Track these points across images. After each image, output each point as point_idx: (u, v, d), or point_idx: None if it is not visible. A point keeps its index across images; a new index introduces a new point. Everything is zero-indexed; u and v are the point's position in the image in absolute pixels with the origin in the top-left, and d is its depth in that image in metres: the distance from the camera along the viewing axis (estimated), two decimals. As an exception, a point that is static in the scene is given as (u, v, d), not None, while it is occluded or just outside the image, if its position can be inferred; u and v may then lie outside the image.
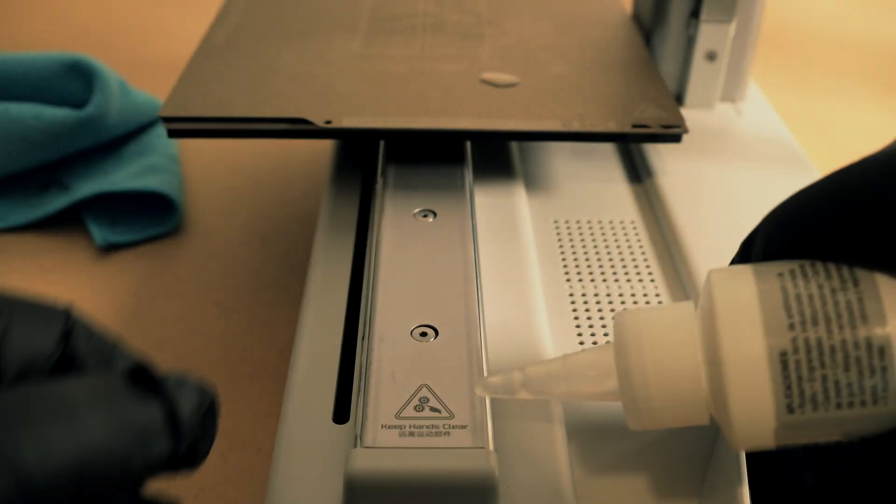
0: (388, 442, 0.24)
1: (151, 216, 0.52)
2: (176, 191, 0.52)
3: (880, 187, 0.20)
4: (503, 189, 0.40)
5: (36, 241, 0.51)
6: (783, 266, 0.22)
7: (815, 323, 0.21)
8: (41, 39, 0.76)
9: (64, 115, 0.52)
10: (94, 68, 0.54)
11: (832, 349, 0.20)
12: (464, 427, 0.24)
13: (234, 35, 0.45)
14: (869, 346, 0.20)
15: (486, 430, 0.24)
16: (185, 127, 0.37)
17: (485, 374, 0.26)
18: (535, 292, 0.33)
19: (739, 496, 0.26)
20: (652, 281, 0.35)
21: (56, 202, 0.52)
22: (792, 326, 0.21)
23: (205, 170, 0.58)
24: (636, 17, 0.51)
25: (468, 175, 0.37)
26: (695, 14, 0.45)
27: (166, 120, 0.37)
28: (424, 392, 0.26)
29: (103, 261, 0.49)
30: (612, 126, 0.37)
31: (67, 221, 0.52)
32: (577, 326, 0.33)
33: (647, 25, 0.49)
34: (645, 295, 0.35)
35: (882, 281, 0.21)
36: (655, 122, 0.38)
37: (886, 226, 0.20)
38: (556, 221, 0.39)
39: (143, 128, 0.58)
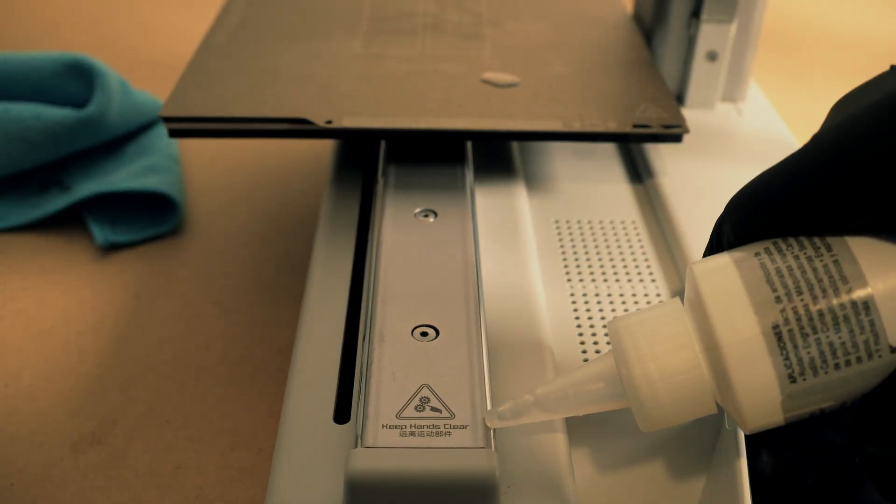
0: (389, 442, 0.24)
1: (151, 216, 0.52)
2: (176, 191, 0.52)
3: (833, 160, 0.21)
4: (503, 189, 0.40)
5: (36, 241, 0.51)
6: (758, 247, 0.23)
7: (798, 292, 0.21)
8: (41, 39, 0.76)
9: (64, 115, 0.52)
10: (94, 68, 0.54)
11: (820, 313, 0.21)
12: (464, 427, 0.24)
13: (235, 35, 0.45)
14: (854, 303, 0.21)
15: (486, 430, 0.24)
16: (185, 127, 0.37)
17: (485, 374, 0.26)
18: (535, 292, 0.33)
19: (740, 496, 0.26)
20: (652, 281, 0.35)
21: (56, 202, 0.52)
22: (778, 299, 0.21)
23: (205, 170, 0.58)
24: (637, 17, 0.51)
25: (469, 175, 0.37)
26: (695, 14, 0.45)
27: (167, 120, 0.37)
28: (425, 392, 0.26)
29: (103, 261, 0.49)
30: (612, 126, 0.37)
31: (67, 221, 0.52)
32: (578, 326, 0.33)
33: (648, 25, 0.49)
34: (646, 295, 0.35)
35: (852, 242, 0.21)
36: (656, 122, 0.38)
37: (845, 194, 0.21)
38: (556, 221, 0.39)
39: (143, 128, 0.58)
